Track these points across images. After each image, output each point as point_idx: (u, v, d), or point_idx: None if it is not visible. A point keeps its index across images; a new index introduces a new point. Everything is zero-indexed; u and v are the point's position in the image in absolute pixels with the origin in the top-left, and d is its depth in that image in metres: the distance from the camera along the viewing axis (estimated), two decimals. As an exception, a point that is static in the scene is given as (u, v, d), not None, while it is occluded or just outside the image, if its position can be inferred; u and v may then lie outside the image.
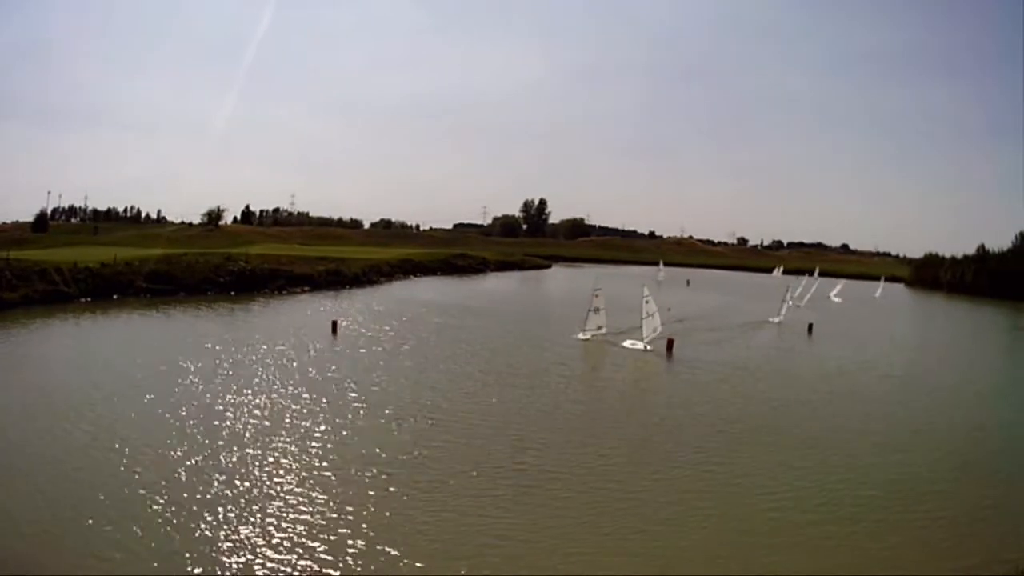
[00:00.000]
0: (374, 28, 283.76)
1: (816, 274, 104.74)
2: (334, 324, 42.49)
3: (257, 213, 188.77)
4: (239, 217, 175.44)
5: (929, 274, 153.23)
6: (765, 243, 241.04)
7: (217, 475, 17.97)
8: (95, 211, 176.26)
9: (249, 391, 26.32)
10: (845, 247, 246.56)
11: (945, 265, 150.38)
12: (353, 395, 26.66)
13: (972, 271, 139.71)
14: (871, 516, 17.99)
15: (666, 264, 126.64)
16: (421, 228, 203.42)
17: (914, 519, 18.27)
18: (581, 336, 42.73)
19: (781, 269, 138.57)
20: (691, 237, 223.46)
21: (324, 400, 25.63)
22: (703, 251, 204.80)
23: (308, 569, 13.68)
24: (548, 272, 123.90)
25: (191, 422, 21.93)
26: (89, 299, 46.96)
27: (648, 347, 40.07)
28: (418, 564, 14.03)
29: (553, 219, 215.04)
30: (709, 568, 14.83)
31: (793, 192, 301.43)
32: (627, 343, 41.23)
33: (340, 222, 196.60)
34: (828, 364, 40.59)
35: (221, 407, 23.94)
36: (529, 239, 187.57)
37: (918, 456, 23.55)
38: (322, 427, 22.47)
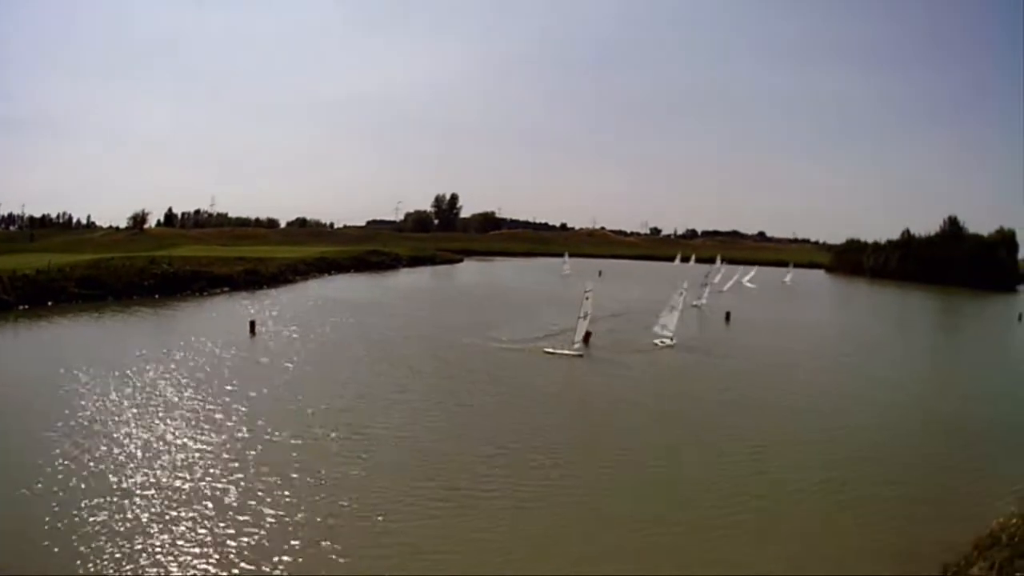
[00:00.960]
0: (289, 29, 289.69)
1: (720, 262, 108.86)
2: (251, 324, 43.29)
3: (179, 215, 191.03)
4: (162, 220, 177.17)
5: (851, 260, 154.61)
6: (679, 232, 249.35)
7: (118, 484, 18.02)
8: (31, 218, 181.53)
9: (161, 399, 26.45)
10: (762, 235, 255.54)
11: (868, 251, 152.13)
12: (267, 398, 26.99)
13: (897, 257, 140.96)
14: (811, 502, 18.95)
15: (578, 255, 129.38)
16: (336, 226, 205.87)
17: (849, 503, 18.99)
18: (574, 348, 39.14)
19: (693, 258, 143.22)
20: (603, 228, 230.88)
21: (236, 405, 25.73)
22: (615, 241, 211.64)
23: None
24: (460, 266, 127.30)
25: (79, 437, 21.64)
26: (27, 306, 48.44)
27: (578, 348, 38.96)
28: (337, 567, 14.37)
29: (465, 213, 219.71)
30: (641, 563, 15.25)
31: (707, 181, 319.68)
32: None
33: (258, 222, 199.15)
34: (746, 354, 42.25)
35: (137, 415, 24.25)
36: (441, 234, 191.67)
37: (848, 444, 24.54)
38: (229, 434, 22.56)
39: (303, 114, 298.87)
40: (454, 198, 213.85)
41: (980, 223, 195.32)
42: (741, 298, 76.45)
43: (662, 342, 42.96)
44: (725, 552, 15.95)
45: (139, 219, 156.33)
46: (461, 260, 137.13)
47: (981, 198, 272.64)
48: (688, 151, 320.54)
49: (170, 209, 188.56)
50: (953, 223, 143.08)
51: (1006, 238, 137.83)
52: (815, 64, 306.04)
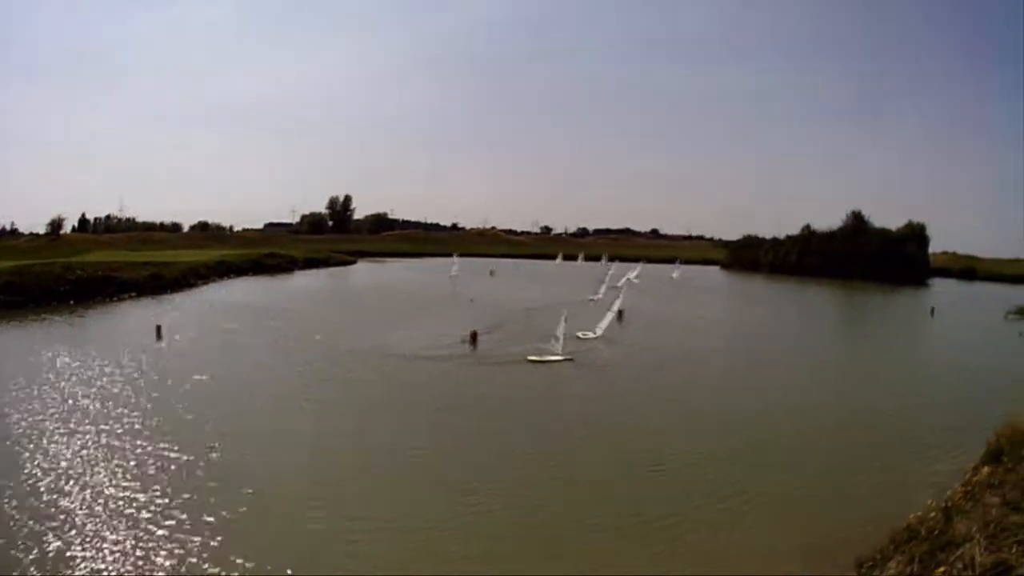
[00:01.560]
0: (188, 30, 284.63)
1: (605, 259, 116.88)
2: (158, 329, 45.61)
3: (92, 220, 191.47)
4: (76, 226, 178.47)
5: (748, 256, 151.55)
6: (570, 231, 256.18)
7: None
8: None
9: (74, 407, 27.29)
10: (655, 232, 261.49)
11: (765, 246, 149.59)
12: (172, 408, 27.35)
13: (797, 252, 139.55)
14: (720, 506, 19.12)
15: (469, 255, 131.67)
16: (235, 229, 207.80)
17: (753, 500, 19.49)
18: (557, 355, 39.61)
19: (581, 256, 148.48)
20: (494, 228, 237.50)
21: (142, 414, 26.34)
22: (505, 241, 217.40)
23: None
24: (354, 268, 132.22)
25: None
26: (-42, 314, 49.98)
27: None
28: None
29: (360, 215, 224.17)
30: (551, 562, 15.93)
31: (599, 179, 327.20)
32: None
33: (163, 226, 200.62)
34: (641, 353, 43.63)
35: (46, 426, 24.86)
36: (335, 236, 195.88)
37: (753, 441, 25.24)
38: (131, 442, 23.04)
39: (201, 118, 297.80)
40: (347, 200, 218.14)
41: (889, 218, 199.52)
42: (632, 295, 73.42)
43: (586, 335, 46.58)
44: (636, 554, 16.43)
45: (56, 225, 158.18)
46: (355, 262, 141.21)
47: (887, 191, 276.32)
48: (580, 149, 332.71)
49: (83, 215, 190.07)
50: (857, 217, 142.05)
51: (916, 232, 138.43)
52: (710, 61, 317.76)
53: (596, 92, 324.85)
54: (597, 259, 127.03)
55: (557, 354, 39.45)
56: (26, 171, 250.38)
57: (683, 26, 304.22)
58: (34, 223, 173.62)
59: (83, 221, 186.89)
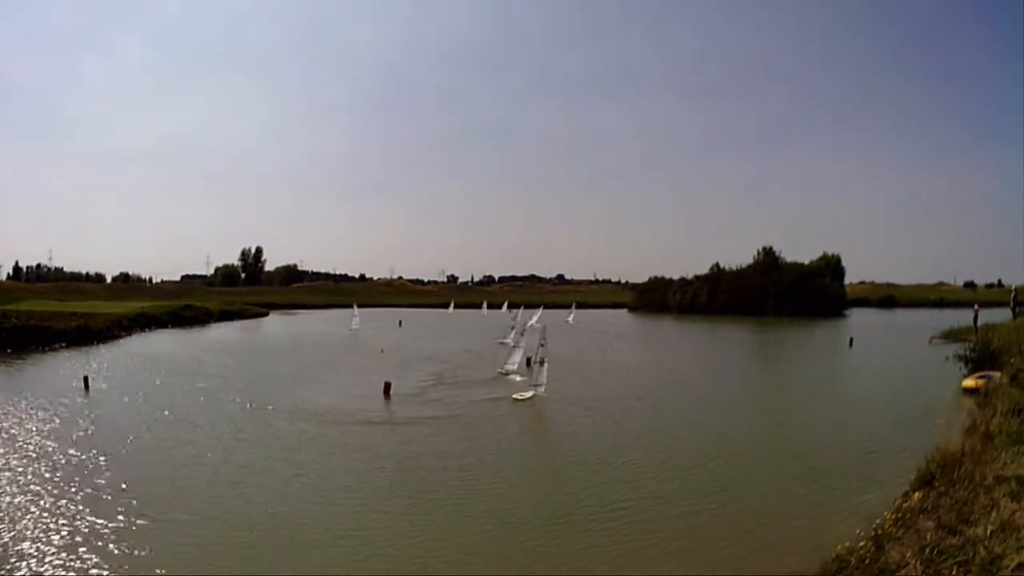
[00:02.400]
0: (107, 73, 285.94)
1: (507, 307, 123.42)
2: (85, 380, 46.73)
3: (24, 268, 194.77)
4: (11, 273, 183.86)
5: (656, 297, 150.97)
6: (476, 279, 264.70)
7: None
8: None
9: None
10: (560, 277, 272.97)
11: (673, 287, 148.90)
12: (105, 458, 27.06)
13: (706, 291, 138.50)
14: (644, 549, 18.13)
15: (377, 306, 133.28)
16: (154, 280, 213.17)
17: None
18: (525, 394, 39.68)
19: (485, 305, 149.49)
20: (400, 278, 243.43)
21: (67, 466, 26.20)
22: (413, 291, 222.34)
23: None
24: (266, 320, 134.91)
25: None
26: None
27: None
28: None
29: (272, 266, 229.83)
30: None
31: (504, 226, 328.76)
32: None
33: (87, 276, 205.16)
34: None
35: None
36: (247, 288, 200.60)
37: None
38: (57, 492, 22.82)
39: (122, 168, 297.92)
40: (259, 251, 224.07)
41: (805, 251, 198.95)
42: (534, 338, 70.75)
43: (505, 370, 49.13)
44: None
45: None
46: (267, 314, 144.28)
47: (801, 224, 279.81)
48: (482, 195, 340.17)
49: (16, 263, 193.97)
50: (768, 253, 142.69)
51: (830, 263, 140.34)
52: (607, 98, 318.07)
53: (499, 135, 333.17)
54: (499, 307, 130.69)
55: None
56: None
57: (576, 66, 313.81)
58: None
59: (16, 269, 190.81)
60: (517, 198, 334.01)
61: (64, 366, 59.50)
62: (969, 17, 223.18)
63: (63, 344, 73.96)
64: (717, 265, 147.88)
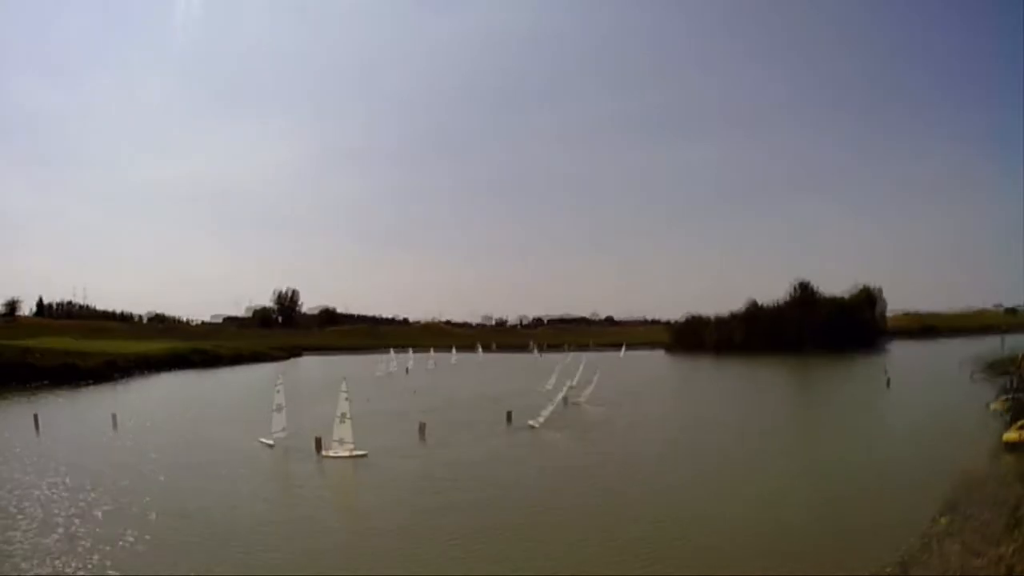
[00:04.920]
0: (135, 107, 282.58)
1: (535, 347, 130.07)
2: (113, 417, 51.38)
3: (53, 305, 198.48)
4: (35, 309, 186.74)
5: (692, 337, 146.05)
6: (525, 322, 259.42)
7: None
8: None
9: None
10: (610, 319, 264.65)
11: (710, 326, 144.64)
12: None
13: (743, 329, 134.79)
14: None
15: (416, 349, 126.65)
16: (191, 321, 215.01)
17: None
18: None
19: (537, 348, 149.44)
20: (448, 321, 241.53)
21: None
22: (450, 333, 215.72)
23: None
24: (288, 363, 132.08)
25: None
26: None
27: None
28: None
29: (311, 308, 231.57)
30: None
31: (554, 268, 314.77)
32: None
33: (120, 316, 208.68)
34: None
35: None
36: (281, 330, 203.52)
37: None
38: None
39: (156, 205, 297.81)
40: (294, 294, 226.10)
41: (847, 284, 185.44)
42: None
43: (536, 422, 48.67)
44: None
45: (12, 306, 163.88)
46: (288, 358, 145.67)
47: (843, 258, 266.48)
48: (532, 238, 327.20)
49: (40, 298, 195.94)
50: (804, 288, 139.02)
51: (870, 296, 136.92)
52: (651, 141, 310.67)
53: (548, 179, 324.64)
54: (552, 348, 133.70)
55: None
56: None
57: (630, 106, 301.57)
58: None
59: (40, 304, 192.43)
60: (566, 241, 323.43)
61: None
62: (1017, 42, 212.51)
63: (45, 382, 74.54)
64: (754, 302, 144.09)
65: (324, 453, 39.76)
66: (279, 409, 42.95)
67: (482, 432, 47.79)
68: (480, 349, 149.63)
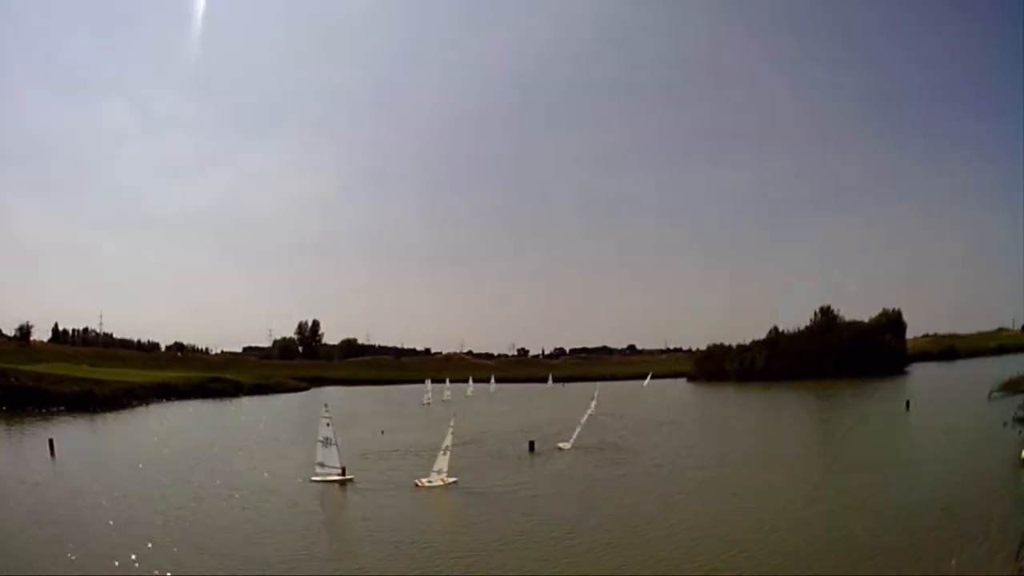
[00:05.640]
0: (151, 132, 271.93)
1: (551, 380, 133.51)
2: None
3: (70, 332, 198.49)
4: (50, 335, 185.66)
5: (714, 365, 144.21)
6: (546, 352, 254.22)
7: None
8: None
9: None
10: (632, 348, 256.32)
11: (731, 354, 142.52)
12: None
13: (764, 356, 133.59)
14: None
15: (436, 381, 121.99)
16: (212, 351, 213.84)
17: None
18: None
19: (551, 378, 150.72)
20: (471, 352, 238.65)
21: None
22: (473, 365, 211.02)
23: None
24: (304, 395, 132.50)
25: None
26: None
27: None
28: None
29: (334, 339, 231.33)
30: None
31: (576, 298, 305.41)
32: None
33: (139, 344, 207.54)
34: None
35: None
36: (302, 361, 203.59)
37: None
38: None
39: (175, 233, 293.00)
40: (315, 325, 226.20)
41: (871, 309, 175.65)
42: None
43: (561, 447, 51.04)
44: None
45: (25, 331, 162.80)
46: (308, 388, 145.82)
47: (855, 281, 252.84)
48: (552, 264, 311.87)
49: (56, 324, 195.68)
50: (826, 313, 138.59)
51: (890, 319, 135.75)
52: (673, 166, 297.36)
53: (567, 203, 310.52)
54: (568, 380, 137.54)
55: None
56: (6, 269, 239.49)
57: (645, 132, 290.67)
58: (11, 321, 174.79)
59: (56, 331, 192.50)
60: (590, 268, 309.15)
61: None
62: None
63: (62, 408, 74.35)
64: (775, 328, 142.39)
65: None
66: (327, 443, 40.80)
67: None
68: (493, 380, 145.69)
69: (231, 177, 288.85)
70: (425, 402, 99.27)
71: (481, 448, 53.58)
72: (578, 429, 52.69)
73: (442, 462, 38.43)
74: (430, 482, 37.97)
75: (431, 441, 49.94)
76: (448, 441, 38.52)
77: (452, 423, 39.61)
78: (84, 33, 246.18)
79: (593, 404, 64.60)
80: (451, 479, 38.22)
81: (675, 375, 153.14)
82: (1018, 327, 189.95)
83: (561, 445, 51.78)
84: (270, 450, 54.92)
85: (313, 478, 39.79)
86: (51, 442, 49.75)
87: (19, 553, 26.48)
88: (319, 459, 40.17)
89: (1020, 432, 41.70)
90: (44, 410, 71.62)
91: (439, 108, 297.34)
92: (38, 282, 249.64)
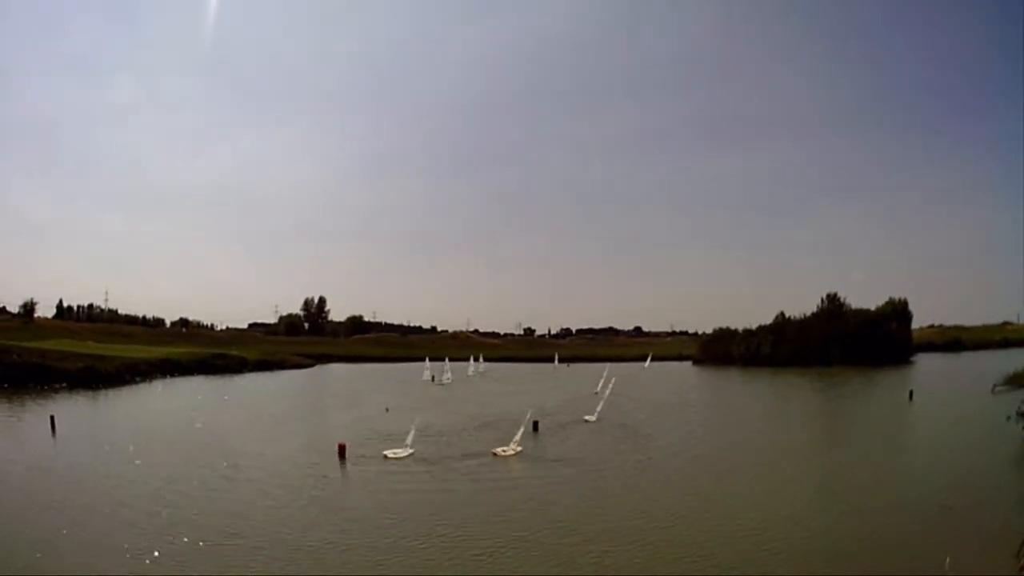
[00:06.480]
0: (158, 109, 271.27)
1: (557, 361, 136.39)
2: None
3: (75, 308, 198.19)
4: (55, 311, 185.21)
5: (720, 349, 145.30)
6: (553, 332, 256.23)
7: None
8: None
9: None
10: (638, 329, 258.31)
11: (737, 338, 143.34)
12: None
13: (770, 341, 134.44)
14: None
15: (435, 359, 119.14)
16: (217, 327, 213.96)
17: None
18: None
19: (557, 358, 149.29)
20: (476, 331, 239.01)
21: None
22: (478, 343, 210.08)
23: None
24: (310, 371, 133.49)
25: None
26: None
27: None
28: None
29: (340, 316, 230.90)
30: None
31: (584, 278, 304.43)
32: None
33: (144, 320, 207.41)
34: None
35: None
36: (307, 338, 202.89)
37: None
38: None
39: (181, 210, 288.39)
40: (322, 301, 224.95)
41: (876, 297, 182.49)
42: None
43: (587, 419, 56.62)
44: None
45: (29, 308, 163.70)
46: (313, 365, 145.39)
47: (861, 271, 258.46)
48: (562, 248, 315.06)
49: (60, 301, 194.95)
50: (832, 300, 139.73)
51: (896, 309, 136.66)
52: (683, 151, 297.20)
53: (575, 188, 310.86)
54: (573, 360, 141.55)
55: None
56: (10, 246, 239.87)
57: (654, 116, 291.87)
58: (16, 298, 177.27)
59: (60, 307, 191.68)
60: (595, 251, 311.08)
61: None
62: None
63: (64, 385, 74.22)
64: (782, 314, 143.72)
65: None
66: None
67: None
68: (481, 359, 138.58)
69: (237, 156, 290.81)
70: (430, 379, 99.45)
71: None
72: (600, 404, 59.43)
73: (516, 436, 44.70)
74: (504, 451, 43.22)
75: (451, 421, 55.85)
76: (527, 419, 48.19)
77: (529, 414, 49.49)
78: (94, 12, 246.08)
79: (610, 384, 69.25)
80: (519, 448, 43.79)
81: (680, 358, 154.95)
82: (1023, 321, 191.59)
83: (587, 418, 57.85)
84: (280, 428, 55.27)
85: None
86: (52, 419, 49.52)
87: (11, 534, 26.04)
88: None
89: None
90: (46, 387, 71.57)
91: (447, 93, 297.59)
92: (42, 259, 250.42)
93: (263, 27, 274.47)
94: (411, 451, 42.21)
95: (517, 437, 44.29)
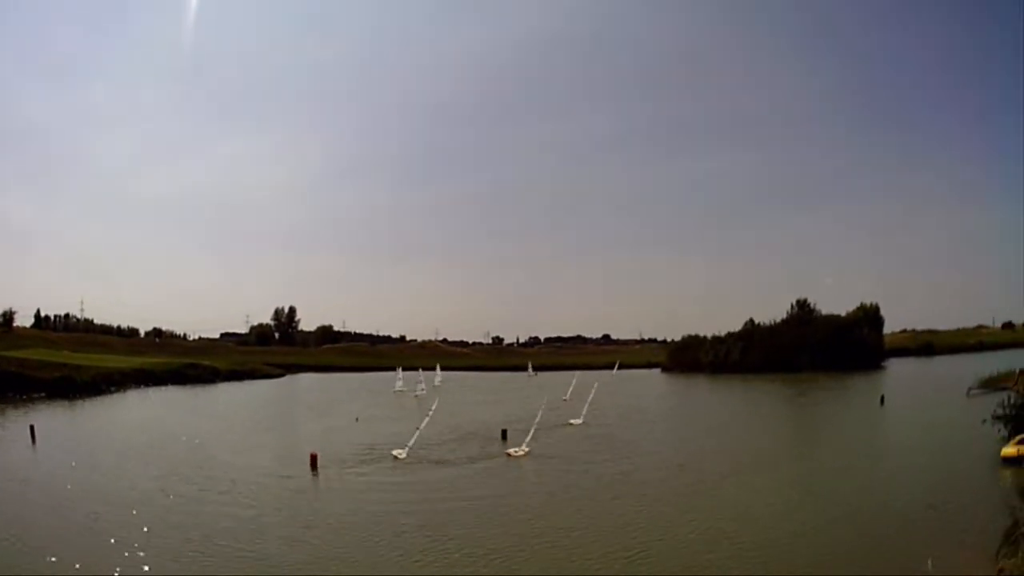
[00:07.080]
0: (136, 116, 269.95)
1: (531, 368, 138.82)
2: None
3: (52, 318, 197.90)
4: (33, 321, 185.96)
5: (689, 356, 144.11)
6: (521, 340, 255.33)
7: None
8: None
9: None
10: (607, 337, 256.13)
11: (706, 345, 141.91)
12: None
13: (739, 348, 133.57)
14: None
15: (406, 369, 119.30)
16: (190, 337, 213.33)
17: None
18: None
19: (531, 367, 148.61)
20: (445, 340, 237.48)
21: None
22: (447, 352, 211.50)
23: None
24: (280, 381, 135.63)
25: None
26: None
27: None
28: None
29: (310, 326, 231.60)
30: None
31: (551, 287, 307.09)
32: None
33: (119, 330, 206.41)
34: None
35: None
36: (278, 348, 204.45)
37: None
38: None
39: (158, 218, 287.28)
40: (292, 311, 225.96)
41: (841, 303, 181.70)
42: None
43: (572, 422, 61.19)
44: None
45: (8, 317, 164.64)
46: (283, 375, 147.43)
47: (832, 275, 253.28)
48: (530, 254, 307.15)
49: (39, 310, 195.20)
50: (802, 306, 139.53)
51: (868, 314, 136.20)
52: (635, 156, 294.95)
53: (540, 194, 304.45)
54: (543, 369, 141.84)
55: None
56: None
57: (621, 124, 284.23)
58: None
59: (38, 317, 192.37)
60: (565, 259, 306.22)
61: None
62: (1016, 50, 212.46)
63: (42, 394, 75.98)
64: (751, 321, 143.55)
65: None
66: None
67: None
68: (439, 369, 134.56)
69: (209, 164, 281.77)
70: (402, 390, 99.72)
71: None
72: (585, 407, 64.01)
73: (525, 439, 49.31)
74: (516, 451, 48.19)
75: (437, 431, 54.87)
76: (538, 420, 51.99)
77: (538, 415, 52.89)
78: (73, 21, 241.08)
79: (592, 390, 70.55)
80: (527, 449, 48.46)
81: (649, 365, 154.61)
82: (998, 325, 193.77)
83: (573, 421, 62.51)
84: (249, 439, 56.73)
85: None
86: (32, 429, 50.63)
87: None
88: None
89: (999, 430, 42.37)
90: (24, 396, 72.88)
91: (416, 99, 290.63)
92: (21, 268, 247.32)
93: (242, 36, 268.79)
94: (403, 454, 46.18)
95: (525, 441, 48.64)
